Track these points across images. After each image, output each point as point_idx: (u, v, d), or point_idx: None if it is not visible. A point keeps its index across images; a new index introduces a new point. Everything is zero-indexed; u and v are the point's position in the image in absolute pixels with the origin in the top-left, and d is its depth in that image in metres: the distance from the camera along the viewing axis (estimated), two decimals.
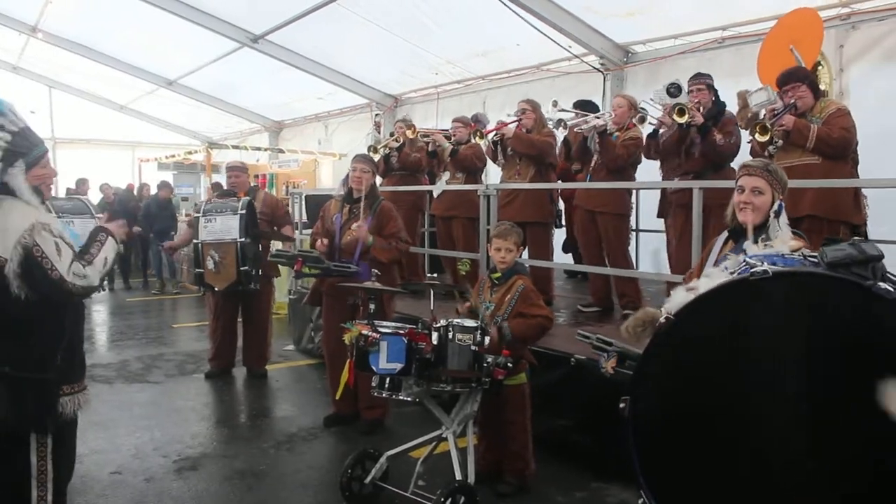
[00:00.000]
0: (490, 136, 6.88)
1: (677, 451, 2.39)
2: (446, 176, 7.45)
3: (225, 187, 6.92)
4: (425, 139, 7.69)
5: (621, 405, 2.44)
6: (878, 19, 6.87)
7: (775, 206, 3.06)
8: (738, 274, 2.46)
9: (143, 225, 12.90)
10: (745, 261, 2.54)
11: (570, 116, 6.73)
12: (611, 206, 6.22)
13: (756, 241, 2.95)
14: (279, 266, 6.89)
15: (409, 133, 7.66)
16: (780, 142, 4.83)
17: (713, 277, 2.54)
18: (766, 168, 3.13)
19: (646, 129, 6.25)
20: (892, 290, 2.15)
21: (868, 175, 5.36)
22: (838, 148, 4.76)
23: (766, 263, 2.38)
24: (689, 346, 2.39)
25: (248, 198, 6.47)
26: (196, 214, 6.43)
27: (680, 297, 2.46)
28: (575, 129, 6.34)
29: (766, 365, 2.24)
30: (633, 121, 6.27)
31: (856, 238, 2.39)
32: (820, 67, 5.64)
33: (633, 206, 6.58)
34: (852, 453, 2.15)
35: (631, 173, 6.33)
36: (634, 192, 6.79)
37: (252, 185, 7.23)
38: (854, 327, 2.18)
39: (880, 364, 2.10)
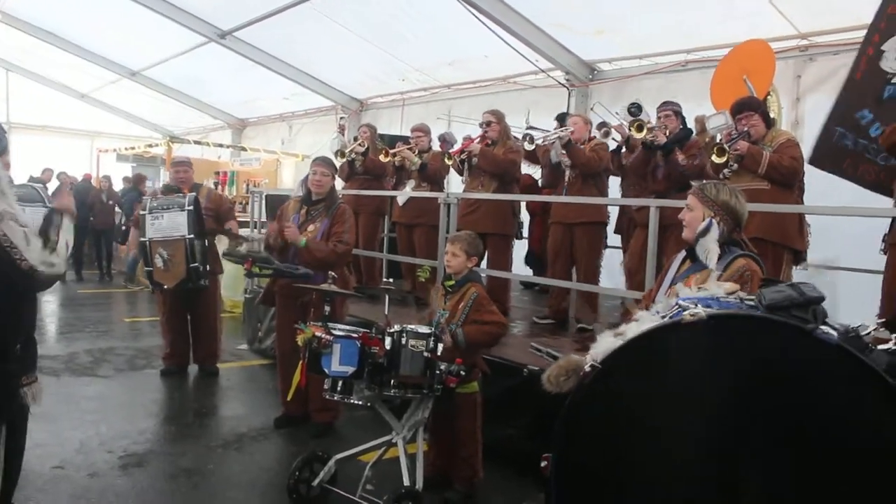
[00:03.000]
0: (458, 156, 6.90)
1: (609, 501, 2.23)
2: (412, 184, 7.46)
3: (170, 183, 6.82)
4: (395, 158, 7.68)
5: (543, 464, 2.24)
6: (833, 53, 7.10)
7: (703, 225, 3.08)
8: (671, 318, 2.31)
9: (126, 216, 12.70)
10: (677, 303, 2.41)
11: (538, 134, 6.80)
12: (588, 216, 6.28)
13: (693, 261, 3.02)
14: (222, 262, 6.85)
15: (382, 158, 7.64)
16: (735, 165, 4.99)
17: (643, 321, 2.40)
18: (700, 186, 3.22)
19: (610, 145, 6.35)
20: (833, 333, 2.02)
21: (815, 203, 5.55)
22: (787, 175, 4.94)
23: (699, 306, 2.23)
24: (615, 396, 2.21)
25: (193, 194, 6.40)
26: (142, 212, 6.31)
27: (606, 344, 2.30)
28: (540, 144, 6.39)
29: (698, 413, 2.09)
30: (596, 135, 6.38)
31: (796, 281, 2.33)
32: (769, 97, 5.83)
33: (609, 214, 6.63)
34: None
35: (605, 180, 6.41)
36: None
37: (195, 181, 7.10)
38: (793, 373, 2.03)
39: (820, 409, 2.01)
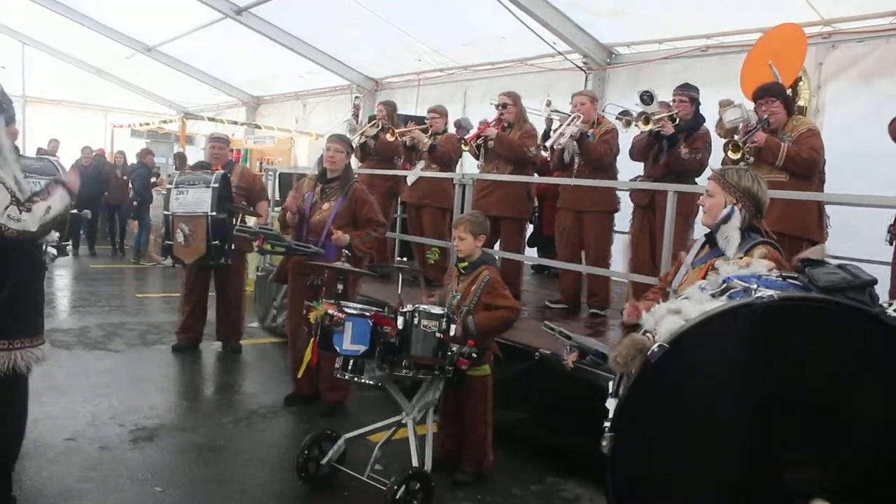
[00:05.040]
0: (474, 140, 6.82)
1: (666, 495, 2.21)
2: (421, 164, 7.41)
3: (204, 159, 6.82)
4: (403, 139, 7.63)
5: (603, 442, 2.21)
6: (857, 40, 6.99)
7: (724, 211, 3.04)
8: (725, 296, 2.31)
9: (137, 192, 12.79)
10: (724, 281, 2.39)
11: (559, 116, 6.69)
12: (600, 204, 6.22)
13: (712, 247, 2.98)
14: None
15: (388, 137, 7.59)
16: (752, 158, 4.92)
17: (695, 300, 2.38)
18: (721, 172, 3.17)
19: (632, 132, 6.26)
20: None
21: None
22: (806, 167, 4.87)
23: (756, 284, 2.23)
24: (685, 377, 2.19)
25: (221, 171, 6.38)
26: (168, 187, 6.30)
27: (669, 323, 2.27)
28: (554, 146, 6.26)
29: (770, 396, 2.09)
30: (617, 124, 6.29)
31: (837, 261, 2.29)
32: (800, 83, 5.74)
33: (620, 200, 6.56)
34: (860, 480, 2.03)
35: (615, 167, 6.34)
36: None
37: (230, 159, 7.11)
38: (862, 356, 2.03)
39: (882, 392, 2.00)
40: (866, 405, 2.01)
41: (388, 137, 7.60)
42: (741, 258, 2.76)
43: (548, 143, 6.29)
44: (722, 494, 2.14)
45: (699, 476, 2.16)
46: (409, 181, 7.39)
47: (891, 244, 4.59)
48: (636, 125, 5.81)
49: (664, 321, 2.28)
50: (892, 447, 1.99)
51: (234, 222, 6.41)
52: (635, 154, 6.17)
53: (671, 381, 2.19)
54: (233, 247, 6.36)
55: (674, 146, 5.73)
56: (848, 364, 2.02)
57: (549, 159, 6.55)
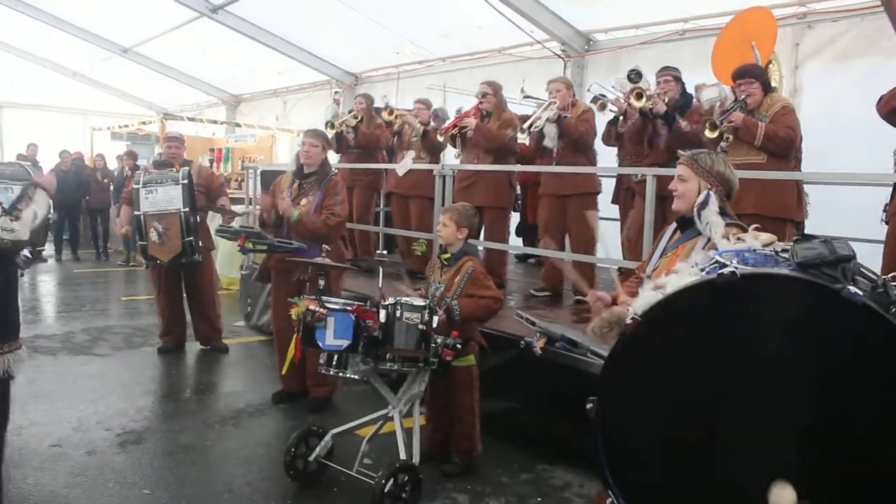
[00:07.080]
0: (450, 131, 6.79)
1: (647, 454, 2.27)
2: (411, 154, 7.34)
3: (161, 157, 6.78)
4: (395, 120, 7.60)
5: (588, 405, 2.29)
6: (832, 20, 7.02)
7: (701, 197, 2.99)
8: (708, 272, 2.30)
9: (116, 196, 12.70)
10: (714, 258, 2.38)
11: (536, 103, 6.68)
12: (582, 187, 6.20)
13: (683, 231, 2.99)
14: (214, 239, 6.82)
15: (385, 115, 7.60)
16: (731, 137, 4.92)
17: (682, 274, 2.37)
18: (692, 156, 3.13)
19: (607, 116, 6.29)
20: (860, 293, 1.95)
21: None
22: (783, 146, 4.88)
23: (735, 261, 2.23)
24: (656, 348, 2.25)
25: (186, 168, 6.35)
26: (136, 187, 6.24)
27: (648, 297, 2.30)
28: (531, 130, 6.20)
29: (736, 368, 2.11)
30: (592, 107, 6.30)
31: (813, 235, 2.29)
32: (771, 65, 5.75)
33: (601, 182, 6.55)
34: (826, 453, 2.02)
35: (594, 149, 6.34)
36: None
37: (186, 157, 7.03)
38: (822, 332, 2.02)
39: (844, 370, 1.98)
40: (831, 385, 1.99)
41: (386, 116, 7.64)
42: (705, 245, 2.75)
43: (525, 127, 6.25)
44: (702, 456, 2.16)
45: (676, 439, 2.20)
46: (401, 172, 7.29)
47: (886, 223, 4.52)
48: (629, 101, 5.77)
49: (645, 295, 2.31)
50: (851, 416, 1.98)
51: (198, 219, 6.36)
52: (629, 144, 6.16)
53: (644, 354, 2.24)
54: (200, 244, 6.32)
55: (673, 122, 5.66)
56: (812, 341, 2.01)
57: (527, 145, 6.51)
